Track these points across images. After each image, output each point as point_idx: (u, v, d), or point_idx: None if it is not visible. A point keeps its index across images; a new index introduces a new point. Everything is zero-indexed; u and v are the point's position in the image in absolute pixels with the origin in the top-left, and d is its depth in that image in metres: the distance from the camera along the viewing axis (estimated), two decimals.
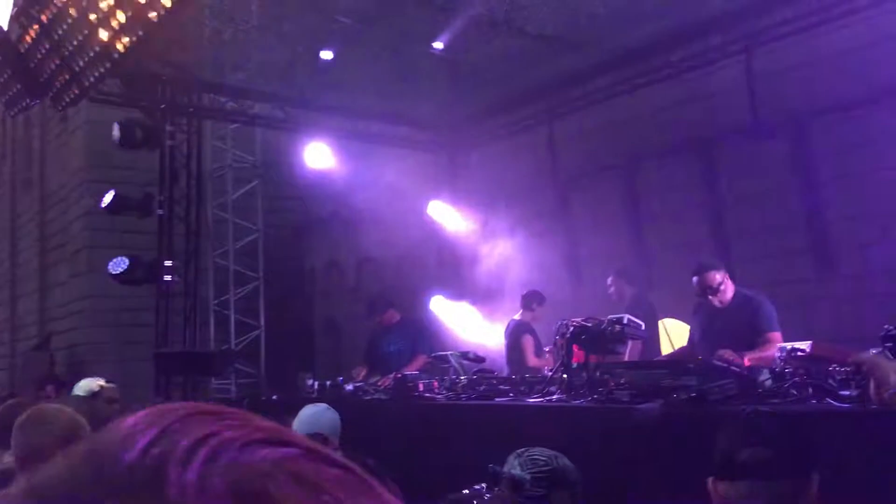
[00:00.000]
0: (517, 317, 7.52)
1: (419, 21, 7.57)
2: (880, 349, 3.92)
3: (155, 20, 6.14)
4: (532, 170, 9.53)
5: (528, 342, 7.24)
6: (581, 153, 9.11)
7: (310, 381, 6.89)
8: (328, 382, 6.75)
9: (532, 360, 7.08)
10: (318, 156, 9.95)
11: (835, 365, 4.10)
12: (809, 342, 4.44)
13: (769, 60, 7.37)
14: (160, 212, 9.22)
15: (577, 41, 7.92)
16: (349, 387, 6.67)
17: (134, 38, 6.41)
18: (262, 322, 12.13)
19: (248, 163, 12.50)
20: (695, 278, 5.23)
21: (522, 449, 2.95)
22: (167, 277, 9.05)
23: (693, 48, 7.92)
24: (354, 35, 7.68)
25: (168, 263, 9.07)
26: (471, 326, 8.82)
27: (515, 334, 7.39)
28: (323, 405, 4.33)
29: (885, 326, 3.86)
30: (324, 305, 13.29)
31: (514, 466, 2.88)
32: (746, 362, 4.68)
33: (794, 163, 7.36)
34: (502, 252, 8.77)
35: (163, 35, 6.67)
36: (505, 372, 6.85)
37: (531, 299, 7.46)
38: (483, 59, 8.33)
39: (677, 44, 7.94)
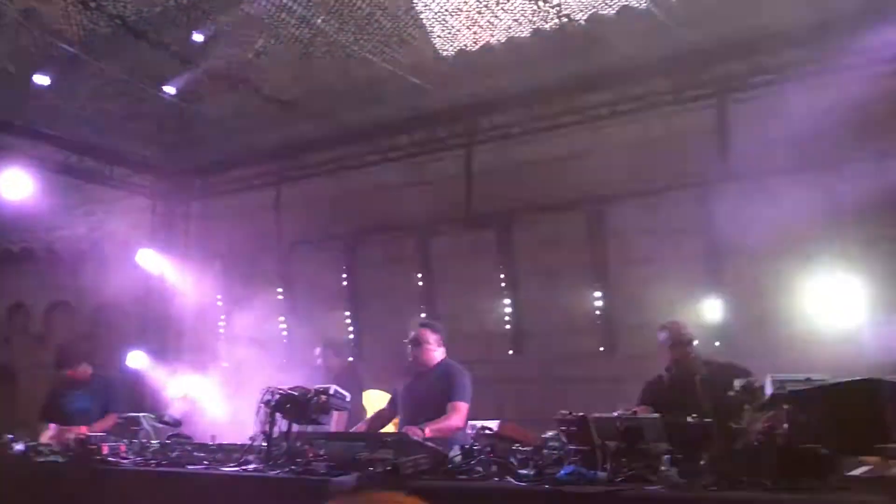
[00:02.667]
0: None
1: (153, 62, 7.25)
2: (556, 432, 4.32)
3: None
4: (255, 231, 9.39)
5: None
6: (306, 220, 9.16)
7: None
8: None
9: None
10: (16, 184, 8.96)
11: (518, 444, 4.45)
12: (498, 421, 4.77)
13: (485, 158, 8.04)
14: None
15: (313, 111, 8.05)
16: (19, 446, 5.96)
17: None
18: None
19: None
20: (411, 333, 5.48)
21: None
22: None
23: (418, 136, 8.39)
24: (78, 64, 7.16)
25: None
26: (172, 387, 8.33)
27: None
28: None
29: (561, 411, 4.27)
30: (1, 350, 11.86)
31: None
32: (428, 433, 4.94)
33: (500, 253, 8.00)
34: (215, 312, 8.48)
35: None
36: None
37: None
38: (216, 112, 8.16)
39: (405, 129, 8.37)
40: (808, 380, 3.38)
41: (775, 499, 3.40)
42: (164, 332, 9.53)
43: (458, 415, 5.22)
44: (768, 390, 3.70)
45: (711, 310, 6.90)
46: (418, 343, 5.51)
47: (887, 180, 5.85)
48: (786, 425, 3.50)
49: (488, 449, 4.39)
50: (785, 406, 3.48)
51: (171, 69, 7.29)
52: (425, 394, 5.35)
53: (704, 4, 6.03)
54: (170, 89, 7.60)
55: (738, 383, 3.95)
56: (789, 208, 6.19)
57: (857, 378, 2.50)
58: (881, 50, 5.70)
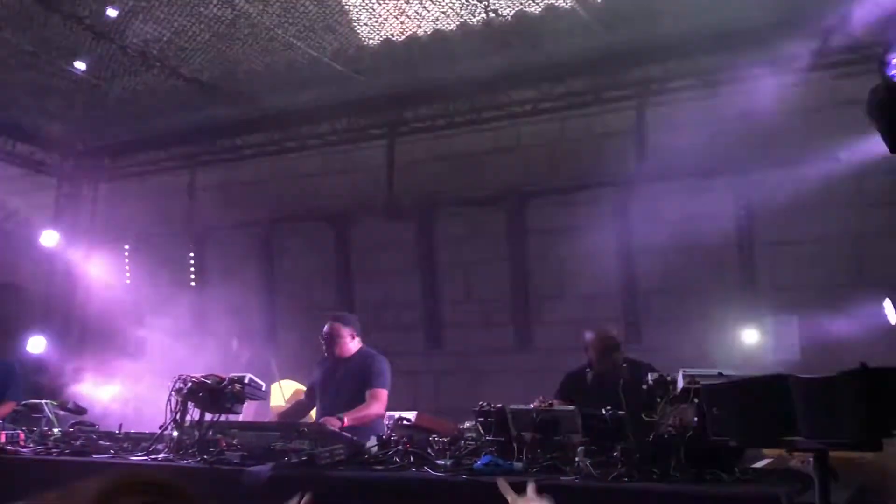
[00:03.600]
0: None
1: (63, 36, 6.94)
2: (473, 422, 4.36)
3: None
4: (168, 215, 9.12)
5: None
6: (221, 206, 8.95)
7: None
8: None
9: None
10: None
11: (435, 435, 4.47)
12: (415, 412, 4.78)
13: (407, 150, 8.02)
14: None
15: (232, 94, 7.85)
16: None
17: None
18: None
19: None
20: (325, 327, 5.43)
21: None
22: None
23: (340, 124, 8.30)
24: None
25: None
26: (76, 374, 8.02)
27: None
28: None
29: (480, 402, 4.31)
30: None
31: None
32: (347, 422, 4.92)
33: (420, 245, 8.00)
34: (124, 297, 8.20)
35: None
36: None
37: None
38: (129, 91, 7.87)
39: (326, 117, 8.27)
40: (720, 374, 3.51)
41: (684, 489, 3.53)
42: (68, 317, 9.16)
43: (377, 402, 5.21)
44: (680, 384, 3.82)
45: (624, 306, 7.08)
46: (332, 338, 5.47)
47: (792, 186, 6.12)
48: (696, 419, 3.63)
49: (405, 439, 4.39)
50: (695, 400, 3.60)
51: (83, 44, 6.99)
52: (343, 382, 5.32)
53: (628, 7, 6.17)
54: (80, 65, 7.29)
55: (651, 377, 4.07)
56: (700, 210, 6.41)
57: (768, 374, 2.61)
58: (790, 60, 5.95)
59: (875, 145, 4.80)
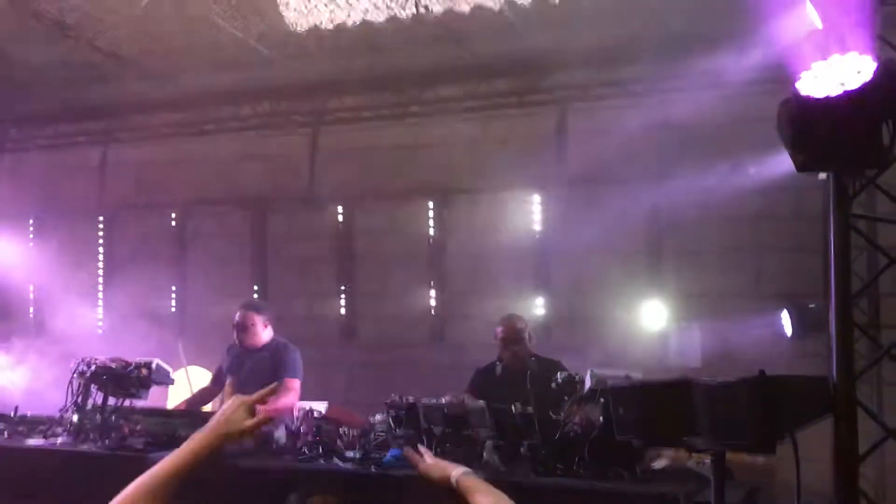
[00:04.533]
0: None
1: None
2: (384, 414, 4.37)
3: None
4: (75, 192, 8.78)
5: None
6: (133, 185, 8.68)
7: None
8: None
9: None
10: None
11: (345, 427, 4.47)
12: (326, 403, 4.77)
13: (330, 140, 7.96)
14: None
15: (150, 70, 7.63)
16: None
17: None
18: None
19: None
20: (236, 314, 5.34)
21: None
22: None
23: (262, 108, 8.16)
24: None
25: None
26: None
27: None
28: None
29: (392, 395, 4.33)
30: None
31: None
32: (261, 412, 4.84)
33: (338, 237, 7.94)
34: (25, 275, 7.87)
35: None
36: None
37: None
38: (41, 59, 7.54)
39: (248, 100, 8.12)
40: (627, 377, 3.63)
41: (588, 486, 3.64)
42: None
43: (291, 392, 5.14)
44: (588, 384, 3.93)
45: (535, 306, 7.21)
46: (244, 327, 5.35)
47: (702, 197, 6.34)
48: (601, 418, 3.74)
49: (315, 430, 4.38)
50: (601, 400, 3.71)
51: None
52: (254, 371, 5.24)
53: (554, 13, 6.27)
54: None
55: (559, 376, 4.17)
56: (614, 216, 6.58)
57: (672, 377, 2.71)
58: (709, 75, 6.17)
59: (783, 163, 5.05)
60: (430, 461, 1.80)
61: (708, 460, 3.26)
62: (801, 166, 2.97)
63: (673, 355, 6.69)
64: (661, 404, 2.65)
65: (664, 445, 3.61)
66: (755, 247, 6.69)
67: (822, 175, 3.34)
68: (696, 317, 6.62)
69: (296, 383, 5.22)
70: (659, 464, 4.17)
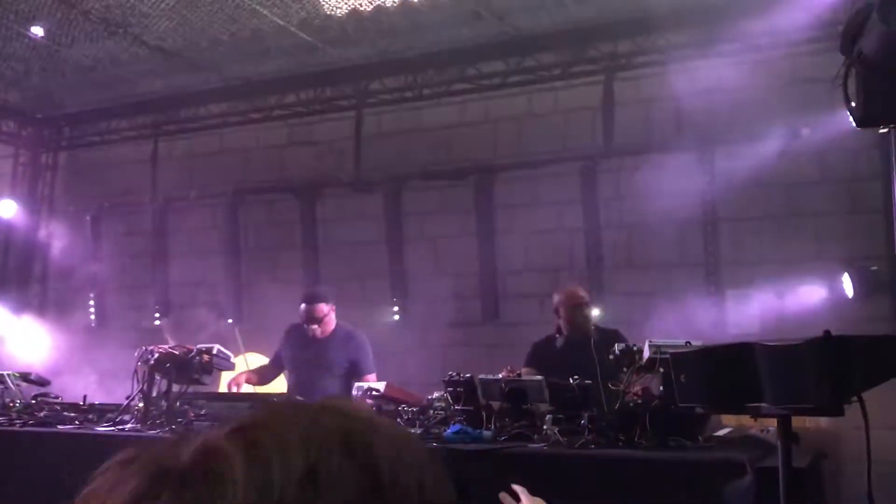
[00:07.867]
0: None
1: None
2: (442, 392, 4.41)
3: None
4: (129, 185, 8.97)
5: None
6: (185, 177, 8.82)
7: None
8: None
9: None
10: None
11: (404, 405, 4.51)
12: (384, 383, 4.81)
13: (374, 122, 7.98)
14: None
15: (196, 62, 7.73)
16: None
17: None
18: None
19: None
20: (303, 306, 5.38)
21: None
22: None
23: (306, 95, 8.21)
24: None
25: None
26: (38, 345, 7.90)
27: None
28: None
29: (450, 373, 4.36)
30: None
31: None
32: None
33: (387, 219, 7.97)
34: (83, 267, 8.07)
35: None
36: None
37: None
38: (90, 57, 7.69)
39: (292, 87, 8.17)
40: (687, 343, 3.59)
41: (650, 456, 3.61)
42: (26, 286, 8.99)
43: None
44: (646, 354, 3.89)
45: (590, 280, 7.15)
46: (317, 320, 5.32)
47: (756, 162, 6.21)
48: (662, 387, 3.71)
49: (375, 410, 4.42)
50: (661, 369, 3.68)
51: (42, 7, 6.81)
52: (323, 357, 5.28)
53: None
54: (38, 30, 7.11)
55: (618, 347, 4.14)
56: (666, 185, 6.49)
57: (734, 342, 2.67)
58: (757, 37, 6.02)
59: (837, 123, 4.92)
60: (526, 502, 1.74)
61: (772, 427, 3.22)
62: (860, 121, 2.89)
63: (731, 324, 6.60)
64: (724, 369, 2.62)
65: (727, 412, 3.56)
66: (812, 211, 6.54)
67: (883, 129, 3.24)
68: (755, 284, 6.50)
69: (374, 377, 5.26)
70: (721, 432, 4.13)
